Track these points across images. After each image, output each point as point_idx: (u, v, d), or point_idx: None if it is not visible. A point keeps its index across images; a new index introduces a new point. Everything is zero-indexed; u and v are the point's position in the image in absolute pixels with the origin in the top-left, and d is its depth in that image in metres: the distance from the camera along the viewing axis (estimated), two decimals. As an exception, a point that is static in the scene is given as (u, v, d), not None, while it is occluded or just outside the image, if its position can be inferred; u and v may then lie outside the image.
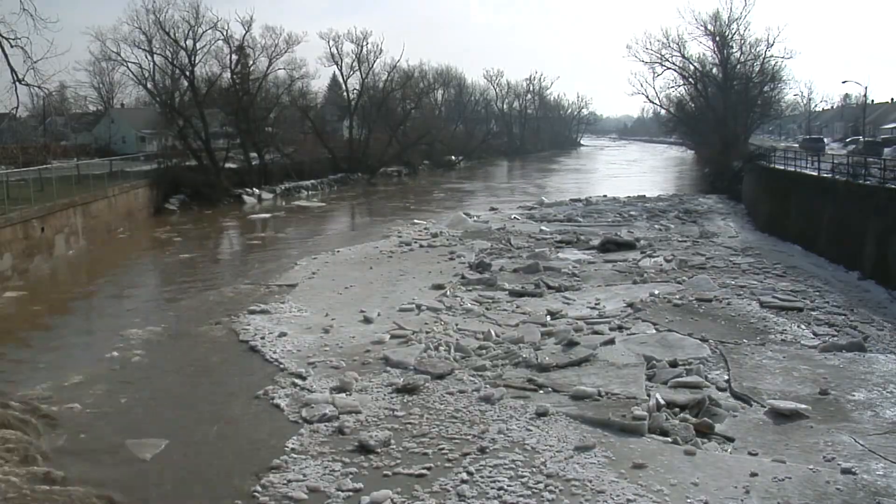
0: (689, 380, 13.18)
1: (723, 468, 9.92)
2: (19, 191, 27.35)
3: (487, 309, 19.10)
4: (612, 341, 15.53)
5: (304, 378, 13.89)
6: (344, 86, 76.63)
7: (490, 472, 9.98)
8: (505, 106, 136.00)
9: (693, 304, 18.90)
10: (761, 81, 63.76)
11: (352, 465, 10.32)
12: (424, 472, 10.05)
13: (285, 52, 60.52)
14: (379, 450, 10.71)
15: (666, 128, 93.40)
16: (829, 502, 9.02)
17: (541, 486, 9.57)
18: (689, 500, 9.12)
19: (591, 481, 9.66)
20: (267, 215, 44.68)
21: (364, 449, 10.76)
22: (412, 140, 78.43)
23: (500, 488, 9.52)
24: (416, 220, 38.79)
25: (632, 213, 40.59)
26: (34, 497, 9.66)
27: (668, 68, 67.04)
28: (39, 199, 27.32)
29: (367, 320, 17.90)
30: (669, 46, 65.31)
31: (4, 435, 11.46)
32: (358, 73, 73.85)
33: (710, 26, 62.82)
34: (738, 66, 63.46)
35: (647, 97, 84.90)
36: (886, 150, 53.33)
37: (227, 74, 57.06)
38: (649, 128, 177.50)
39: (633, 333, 16.47)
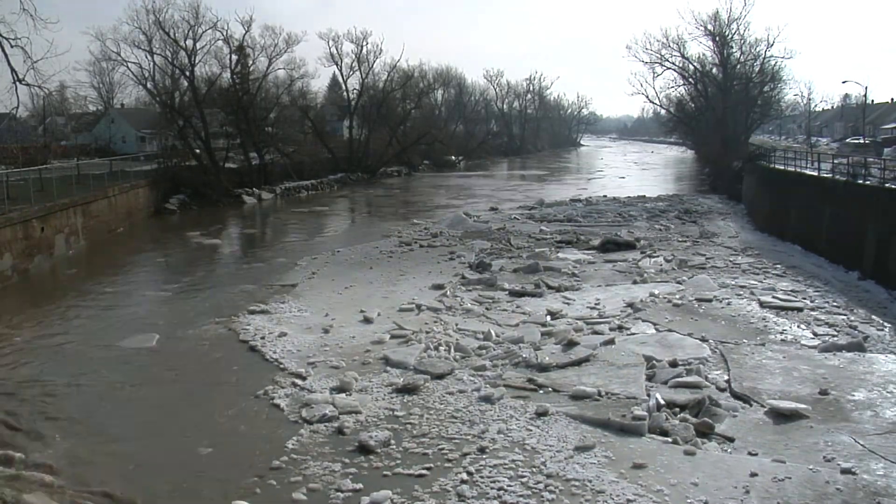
0: (689, 380, 13.18)
1: (723, 468, 9.92)
2: (19, 191, 27.36)
3: (487, 309, 19.10)
4: (612, 341, 15.54)
5: (303, 378, 13.89)
6: (344, 86, 76.83)
7: (490, 472, 9.99)
8: (505, 106, 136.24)
9: (693, 304, 18.90)
10: (761, 81, 63.83)
11: (352, 466, 10.32)
12: (424, 472, 10.05)
13: (285, 51, 60.72)
14: (379, 450, 10.71)
15: (666, 128, 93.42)
16: (829, 502, 9.02)
17: (541, 486, 9.57)
18: (688, 500, 9.12)
19: (591, 481, 9.66)
20: (267, 215, 44.70)
21: (364, 449, 10.76)
22: (412, 140, 78.48)
23: (500, 488, 9.53)
24: (416, 220, 38.79)
25: (632, 213, 40.60)
26: (35, 498, 9.67)
27: (668, 68, 67.31)
28: (39, 199, 27.33)
29: (367, 320, 17.90)
30: (669, 46, 65.53)
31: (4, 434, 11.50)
32: (358, 73, 74.05)
33: (709, 26, 63.02)
34: (738, 66, 63.53)
35: (647, 97, 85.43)
36: (886, 150, 53.49)
37: (227, 74, 57.16)
38: (649, 128, 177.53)
39: (633, 333, 16.47)
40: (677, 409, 11.99)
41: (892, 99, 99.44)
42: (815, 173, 29.74)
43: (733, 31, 62.51)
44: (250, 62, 58.77)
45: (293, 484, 9.85)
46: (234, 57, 56.89)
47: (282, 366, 14.71)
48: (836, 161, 30.13)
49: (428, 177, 78.34)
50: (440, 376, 13.74)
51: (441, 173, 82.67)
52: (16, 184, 28.18)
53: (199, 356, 15.81)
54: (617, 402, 12.36)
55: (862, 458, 10.08)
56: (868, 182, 24.41)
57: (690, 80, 67.68)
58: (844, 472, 9.67)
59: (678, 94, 73.09)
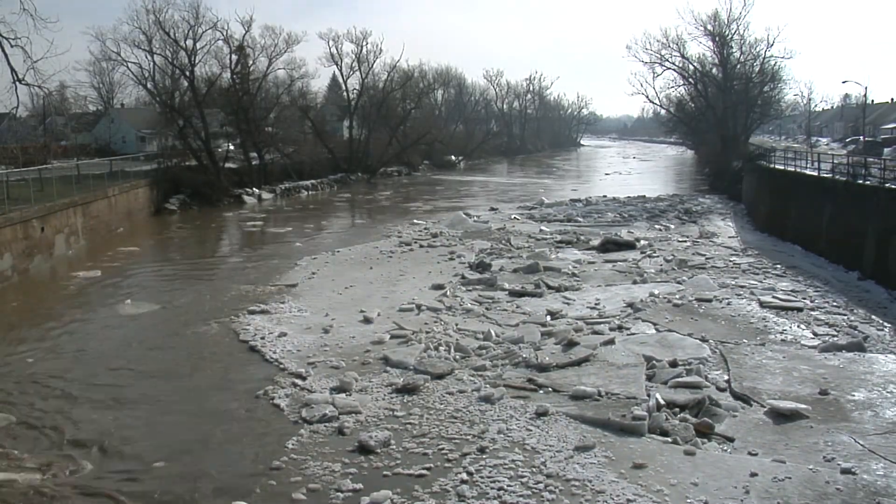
0: (688, 380, 13.18)
1: (723, 468, 9.92)
2: (19, 191, 27.37)
3: (487, 309, 19.10)
4: (612, 341, 15.54)
5: (304, 378, 13.89)
6: (344, 86, 76.75)
7: (490, 472, 9.99)
8: (505, 106, 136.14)
9: (693, 304, 18.90)
10: (761, 81, 63.81)
11: (352, 466, 10.32)
12: (424, 472, 10.05)
13: (285, 51, 60.78)
14: (379, 450, 10.71)
15: (666, 128, 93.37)
16: (829, 502, 9.02)
17: (541, 486, 9.57)
18: (688, 500, 9.12)
19: (590, 481, 9.66)
20: (267, 215, 44.73)
21: (364, 449, 10.76)
22: (412, 140, 78.46)
23: (500, 488, 9.52)
24: (416, 220, 38.80)
25: (632, 213, 40.60)
26: (43, 498, 9.69)
27: (668, 68, 67.29)
28: (39, 199, 27.35)
29: (367, 320, 17.90)
30: (669, 47, 65.52)
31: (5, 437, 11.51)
32: (358, 73, 73.98)
33: (709, 26, 63.00)
34: (738, 66, 63.53)
35: (647, 97, 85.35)
36: (886, 150, 53.51)
37: (227, 74, 57.16)
38: (649, 128, 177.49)
39: (633, 333, 16.47)
40: (677, 409, 11.98)
41: (892, 99, 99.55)
42: (815, 173, 29.75)
43: (733, 31, 62.60)
44: (250, 62, 58.87)
45: (293, 484, 9.85)
46: (234, 57, 56.99)
47: (282, 366, 14.72)
48: (836, 161, 30.12)
49: (428, 177, 78.37)
50: (440, 376, 13.74)
51: (441, 173, 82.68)
52: (16, 184, 28.20)
53: (198, 356, 15.81)
54: (617, 402, 12.36)
55: (862, 458, 10.08)
56: (868, 182, 24.42)
57: (690, 80, 67.70)
58: (844, 472, 9.67)
59: (678, 94, 73.20)
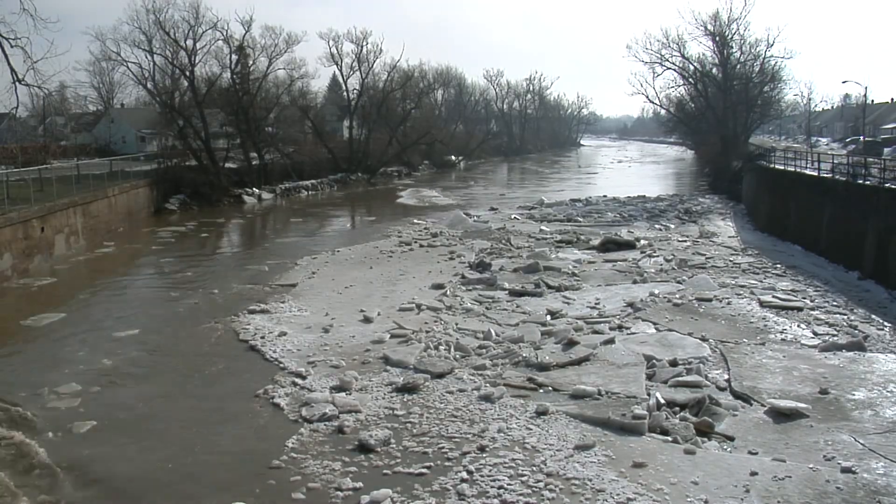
0: (689, 379, 13.18)
1: (723, 467, 9.91)
2: (19, 191, 27.36)
3: (487, 308, 19.11)
4: (612, 341, 15.53)
5: (303, 377, 13.89)
6: (344, 86, 76.65)
7: (490, 470, 9.98)
8: (505, 106, 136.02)
9: (693, 304, 18.90)
10: (761, 81, 63.81)
11: (351, 465, 10.32)
12: (424, 471, 10.05)
13: (285, 51, 60.73)
14: (379, 449, 10.71)
15: (666, 128, 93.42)
16: (829, 501, 9.02)
17: (541, 484, 9.57)
18: (689, 500, 9.11)
19: (591, 480, 9.65)
20: (267, 215, 44.74)
21: (364, 448, 10.76)
22: (412, 140, 78.46)
23: (500, 487, 9.52)
24: (416, 220, 38.80)
25: (632, 213, 40.62)
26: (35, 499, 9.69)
27: (668, 68, 67.27)
28: (39, 199, 27.33)
29: (367, 320, 17.91)
30: (669, 46, 65.51)
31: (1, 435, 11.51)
32: (358, 73, 73.89)
33: (709, 26, 63.00)
34: (738, 66, 63.53)
35: (647, 97, 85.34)
36: (886, 150, 53.49)
37: (227, 74, 57.14)
38: (649, 128, 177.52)
39: (633, 333, 16.47)
40: (677, 409, 11.99)
41: (892, 99, 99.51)
42: (815, 173, 29.75)
43: (733, 31, 62.60)
44: (250, 62, 58.81)
45: (293, 483, 9.85)
46: (235, 57, 56.96)
47: (282, 365, 14.72)
48: (835, 161, 30.13)
49: (428, 177, 78.34)
50: (440, 375, 13.74)
51: (441, 173, 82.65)
52: (16, 184, 28.19)
53: (198, 355, 15.79)
54: (617, 401, 12.36)
55: (862, 457, 10.08)
56: (868, 182, 24.42)
57: (690, 80, 67.71)
58: (844, 471, 9.67)
59: (678, 94, 73.22)
